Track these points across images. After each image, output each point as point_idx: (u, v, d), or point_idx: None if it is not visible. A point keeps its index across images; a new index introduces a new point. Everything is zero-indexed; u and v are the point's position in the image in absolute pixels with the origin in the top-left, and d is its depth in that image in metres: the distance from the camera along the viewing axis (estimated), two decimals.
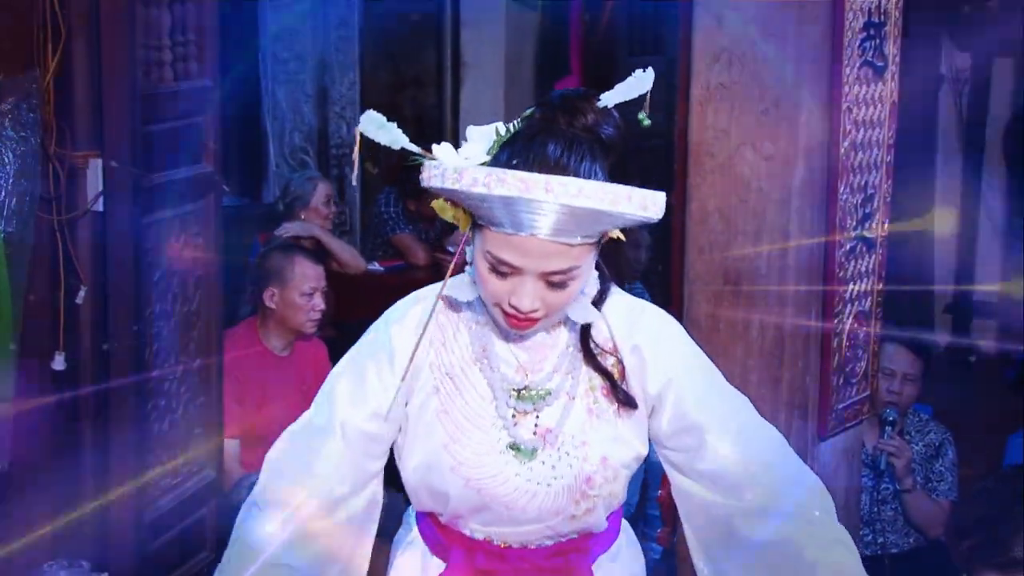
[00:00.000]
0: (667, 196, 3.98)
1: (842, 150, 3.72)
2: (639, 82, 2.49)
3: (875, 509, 4.87)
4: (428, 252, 7.54)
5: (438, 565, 2.71)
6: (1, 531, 4.43)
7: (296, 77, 8.23)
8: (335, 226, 7.62)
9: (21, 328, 4.48)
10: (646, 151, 6.46)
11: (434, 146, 2.45)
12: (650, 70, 2.50)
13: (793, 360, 3.72)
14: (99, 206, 4.69)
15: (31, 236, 4.49)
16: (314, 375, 5.71)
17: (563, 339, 2.61)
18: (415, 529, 2.82)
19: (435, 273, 7.22)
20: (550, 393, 2.59)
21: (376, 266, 7.49)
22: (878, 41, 3.82)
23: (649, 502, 5.26)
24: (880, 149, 3.90)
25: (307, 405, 5.76)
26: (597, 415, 2.61)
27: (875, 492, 4.86)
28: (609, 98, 2.49)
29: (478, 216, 2.42)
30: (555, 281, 2.41)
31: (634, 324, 2.64)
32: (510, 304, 2.43)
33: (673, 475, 2.67)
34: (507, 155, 2.40)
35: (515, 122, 2.49)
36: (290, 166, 8.21)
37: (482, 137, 2.47)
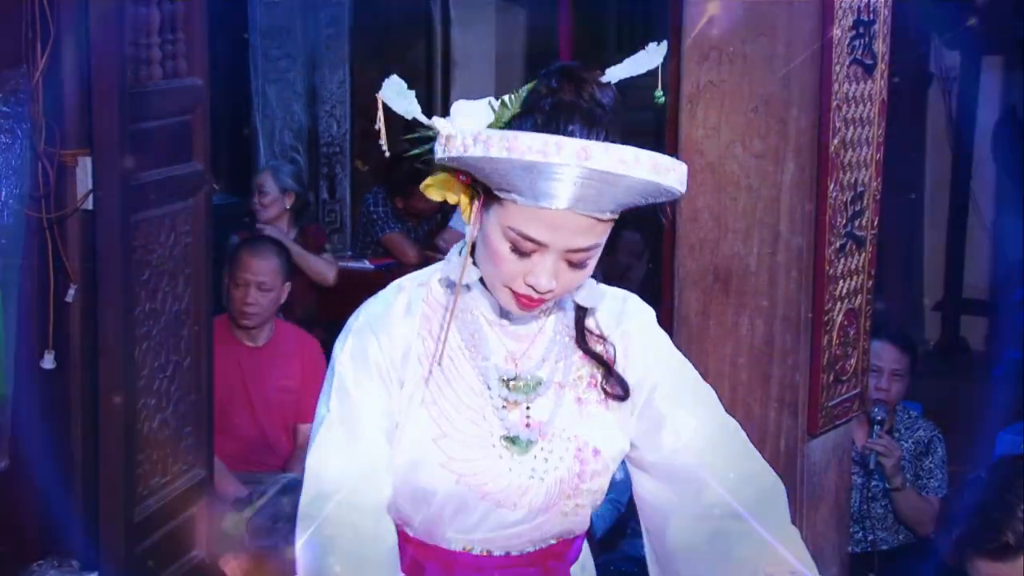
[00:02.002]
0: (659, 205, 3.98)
1: (832, 148, 3.71)
2: (649, 57, 2.43)
3: (865, 506, 4.88)
4: (418, 250, 7.48)
5: None
6: None
7: (286, 75, 8.20)
8: (326, 224, 7.56)
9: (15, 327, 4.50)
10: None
11: (435, 119, 2.34)
12: (663, 44, 2.43)
13: (783, 357, 3.73)
14: (89, 204, 4.69)
15: (22, 234, 4.49)
16: (302, 368, 5.71)
17: (550, 327, 2.53)
18: None
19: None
20: (541, 383, 2.49)
21: (367, 264, 7.46)
22: (867, 39, 3.82)
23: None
24: (870, 147, 3.90)
25: (290, 396, 5.78)
26: (586, 405, 2.53)
27: (865, 490, 4.87)
28: (615, 73, 2.42)
29: (500, 188, 2.29)
30: (574, 260, 2.32)
31: (622, 312, 2.58)
32: (526, 283, 2.33)
33: (633, 472, 2.63)
34: (529, 125, 2.29)
35: (511, 96, 2.39)
36: (277, 158, 8.19)
37: (476, 111, 2.39)
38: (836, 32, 3.68)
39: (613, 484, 5.77)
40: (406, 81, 2.41)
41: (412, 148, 2.42)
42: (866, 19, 3.81)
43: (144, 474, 4.90)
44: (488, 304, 2.48)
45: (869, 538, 4.92)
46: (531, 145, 2.18)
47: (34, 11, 4.47)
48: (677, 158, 3.69)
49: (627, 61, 2.42)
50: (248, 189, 7.65)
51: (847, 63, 3.74)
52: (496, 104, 2.39)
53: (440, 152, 2.30)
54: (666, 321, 3.91)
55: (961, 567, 2.76)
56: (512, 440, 2.47)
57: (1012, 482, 2.72)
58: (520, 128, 2.28)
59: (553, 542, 2.56)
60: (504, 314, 2.48)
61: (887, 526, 5.01)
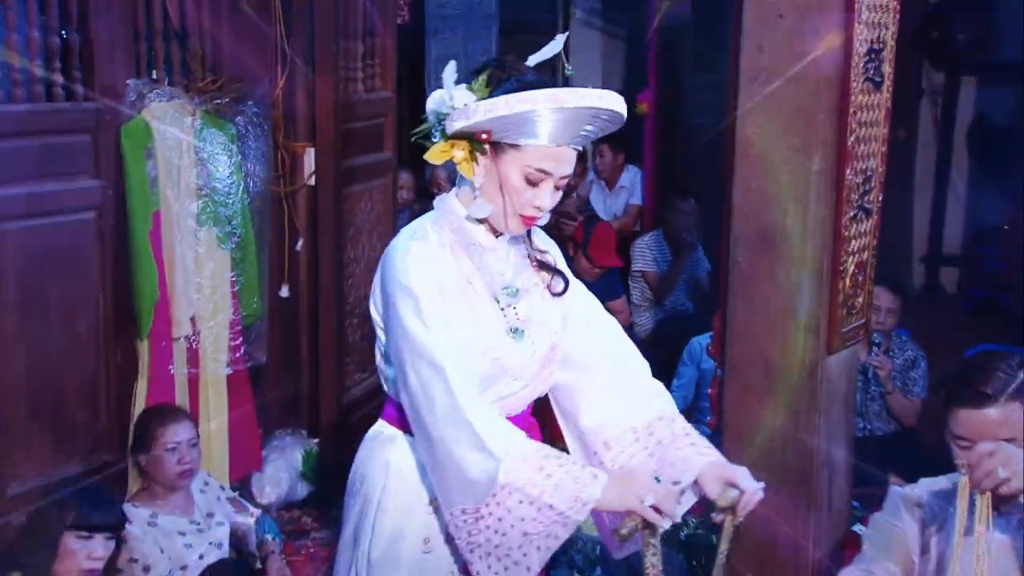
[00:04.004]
0: (719, 178, 3.96)
1: (849, 144, 3.65)
2: (555, 44, 2.47)
3: (866, 404, 4.88)
4: (552, 215, 7.35)
5: None
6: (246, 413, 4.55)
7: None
8: None
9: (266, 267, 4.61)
10: (704, 144, 6.41)
11: (452, 92, 2.38)
12: (563, 36, 2.48)
13: (810, 296, 3.69)
14: (312, 181, 4.77)
15: (268, 202, 4.59)
16: None
17: (513, 251, 2.55)
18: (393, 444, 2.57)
19: (554, 230, 7.08)
20: (518, 290, 2.52)
21: None
22: (877, 63, 3.74)
23: (701, 397, 5.27)
24: (877, 143, 3.83)
25: None
26: (543, 302, 2.56)
27: (866, 392, 4.88)
28: (535, 57, 2.49)
29: (521, 137, 2.32)
30: (559, 185, 2.40)
31: (539, 236, 2.66)
32: (533, 207, 2.38)
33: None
34: (514, 87, 2.35)
35: (473, 83, 2.41)
36: None
37: (462, 92, 2.40)
38: (854, 58, 3.62)
39: (681, 385, 5.69)
40: None
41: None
42: (877, 48, 3.74)
43: (350, 371, 4.99)
44: (483, 234, 2.48)
45: (868, 428, 4.92)
46: (567, 99, 2.26)
47: (277, 43, 4.55)
48: (735, 151, 3.71)
49: (543, 50, 2.47)
50: (422, 171, 7.69)
51: (862, 81, 3.67)
52: (464, 89, 2.39)
53: (466, 120, 2.32)
54: (723, 269, 3.89)
55: (944, 422, 2.63)
56: (514, 331, 2.48)
57: (991, 356, 2.60)
58: (532, 88, 2.32)
59: (533, 401, 2.61)
60: (497, 237, 2.49)
61: (881, 419, 5.00)
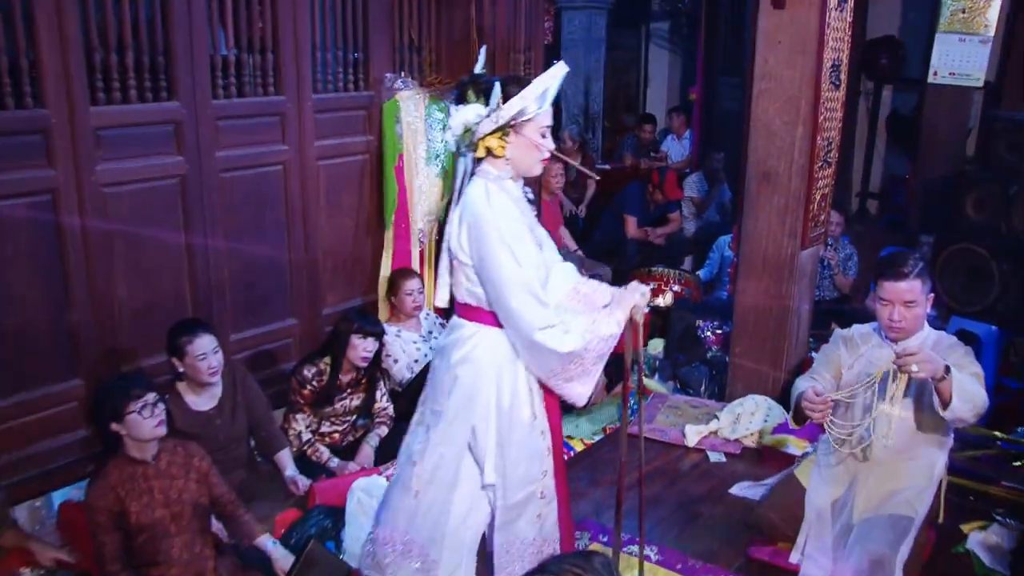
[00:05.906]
0: (739, 140, 3.89)
1: (819, 120, 3.59)
2: (559, 69, 2.12)
3: (820, 281, 4.81)
4: (634, 160, 7.28)
5: None
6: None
7: (575, 83, 8.03)
8: (585, 157, 7.20)
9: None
10: (731, 121, 6.28)
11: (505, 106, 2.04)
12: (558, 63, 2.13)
13: (793, 214, 3.67)
14: None
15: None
16: None
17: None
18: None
19: (634, 172, 6.93)
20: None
21: (606, 166, 7.34)
22: (837, 72, 3.65)
23: (723, 274, 5.23)
24: (836, 121, 3.76)
25: None
26: None
27: (821, 273, 4.80)
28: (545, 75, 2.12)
29: (531, 116, 2.05)
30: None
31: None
32: (549, 151, 2.10)
33: None
34: (517, 90, 2.05)
35: (470, 98, 2.08)
36: (572, 123, 8.08)
37: (475, 108, 2.06)
38: (824, 68, 3.52)
39: (710, 265, 5.56)
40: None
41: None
42: (837, 63, 3.65)
43: None
44: (516, 188, 2.14)
45: (820, 295, 4.85)
46: (545, 81, 2.05)
47: (471, 53, 4.48)
48: (749, 125, 3.60)
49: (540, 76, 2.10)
50: (555, 133, 7.57)
51: (828, 83, 3.59)
52: (474, 103, 2.07)
53: (499, 120, 2.03)
54: (741, 196, 3.87)
55: (870, 291, 2.59)
56: (540, 247, 2.16)
57: (905, 252, 2.54)
58: (525, 87, 2.06)
59: None
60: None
61: (829, 290, 4.92)
